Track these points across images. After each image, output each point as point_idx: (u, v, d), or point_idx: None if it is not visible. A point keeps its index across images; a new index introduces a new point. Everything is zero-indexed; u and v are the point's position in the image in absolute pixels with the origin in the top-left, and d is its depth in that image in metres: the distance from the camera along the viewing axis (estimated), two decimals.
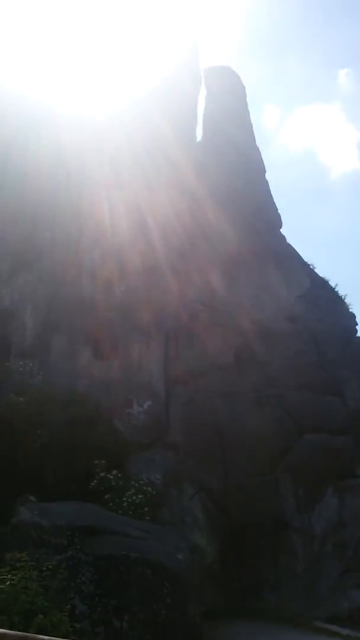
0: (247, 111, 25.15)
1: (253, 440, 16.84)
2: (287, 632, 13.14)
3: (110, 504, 12.94)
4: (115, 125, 21.85)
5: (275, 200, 24.13)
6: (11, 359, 17.81)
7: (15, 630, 7.44)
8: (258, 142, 24.96)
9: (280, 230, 23.79)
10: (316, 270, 23.11)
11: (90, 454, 13.83)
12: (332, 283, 23.06)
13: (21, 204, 20.42)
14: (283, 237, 23.45)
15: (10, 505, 11.44)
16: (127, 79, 23.37)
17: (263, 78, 68.82)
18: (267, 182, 24.31)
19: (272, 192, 24.16)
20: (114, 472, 13.66)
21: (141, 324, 18.50)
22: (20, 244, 19.97)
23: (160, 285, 19.25)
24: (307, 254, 41.64)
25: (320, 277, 22.93)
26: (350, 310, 22.45)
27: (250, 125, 25.04)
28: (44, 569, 9.65)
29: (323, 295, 22.04)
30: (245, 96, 25.33)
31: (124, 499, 13.22)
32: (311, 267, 23.14)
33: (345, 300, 22.73)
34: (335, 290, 22.89)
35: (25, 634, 5.91)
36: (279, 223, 23.80)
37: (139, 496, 13.41)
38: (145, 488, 14.00)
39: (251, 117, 25.32)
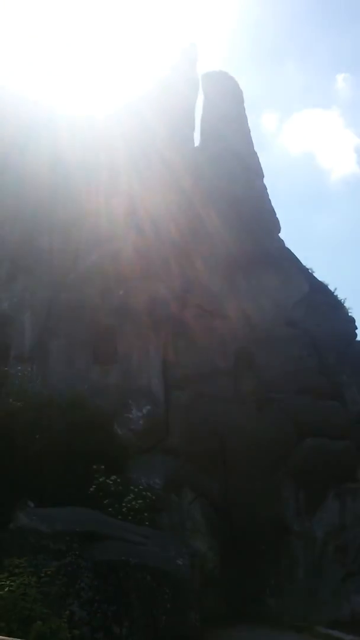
0: (245, 116, 25.25)
1: (253, 444, 16.78)
2: (288, 638, 13.03)
3: (110, 509, 12.85)
4: (113, 129, 21.90)
5: (273, 204, 24.20)
6: (10, 364, 17.75)
7: (14, 637, 7.37)
8: (256, 147, 25.07)
9: (279, 234, 23.83)
10: (315, 275, 23.14)
11: (89, 459, 13.73)
12: (331, 287, 23.09)
13: (20, 208, 20.44)
14: (282, 242, 23.49)
15: (8, 510, 11.34)
16: (125, 82, 23.38)
17: (261, 83, 69.23)
18: (265, 187, 24.38)
19: (270, 197, 24.23)
20: (113, 477, 13.57)
21: (140, 329, 18.47)
22: (18, 248, 19.96)
23: (158, 290, 19.24)
24: (306, 258, 41.48)
25: (319, 281, 22.94)
26: (349, 314, 22.45)
27: (248, 131, 25.13)
28: (43, 575, 9.58)
29: (322, 299, 22.04)
30: (243, 101, 25.44)
31: (124, 504, 13.14)
32: (310, 271, 23.15)
33: (345, 305, 22.75)
34: (335, 294, 22.90)
35: None
36: (277, 227, 23.83)
37: (139, 501, 13.32)
38: (144, 493, 13.91)
39: (249, 122, 25.44)
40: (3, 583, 8.94)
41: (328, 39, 72.46)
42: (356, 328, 22.06)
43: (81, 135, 21.78)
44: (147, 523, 13.01)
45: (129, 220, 20.60)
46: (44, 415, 14.40)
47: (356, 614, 15.14)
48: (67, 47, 26.08)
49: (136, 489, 13.84)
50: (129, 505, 13.10)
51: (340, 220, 69.18)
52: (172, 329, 19.35)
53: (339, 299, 22.82)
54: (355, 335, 21.86)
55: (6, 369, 17.11)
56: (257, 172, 24.41)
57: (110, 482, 13.43)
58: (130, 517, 12.83)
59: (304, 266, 23.02)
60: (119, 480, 13.61)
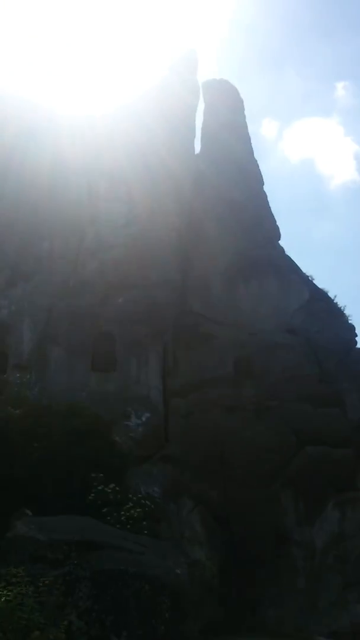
0: (245, 124, 25.41)
1: (253, 452, 16.73)
2: None
3: (108, 517, 12.76)
4: (114, 132, 22.00)
5: (274, 211, 24.33)
6: (8, 371, 17.73)
7: None
8: (256, 155, 25.25)
9: (279, 241, 23.90)
10: (315, 282, 23.17)
11: (88, 467, 13.66)
12: (331, 294, 23.12)
13: (19, 214, 20.47)
14: (282, 249, 23.55)
15: (6, 519, 11.28)
16: (124, 83, 23.52)
17: (261, 91, 69.61)
18: (265, 194, 24.48)
19: (270, 204, 24.34)
20: (112, 485, 13.49)
21: (139, 336, 18.46)
22: (18, 255, 19.97)
23: (158, 297, 19.25)
24: (306, 265, 41.66)
25: (319, 288, 22.97)
26: (349, 321, 22.47)
27: (249, 138, 25.28)
28: (41, 584, 9.50)
29: (322, 306, 22.05)
30: (244, 109, 25.62)
31: (122, 512, 13.04)
32: (310, 278, 23.18)
33: (345, 312, 22.76)
34: (335, 301, 22.91)
35: None
36: (277, 234, 23.91)
37: (137, 510, 13.23)
38: (143, 502, 13.83)
39: (250, 130, 25.61)
40: (0, 593, 8.87)
41: (328, 47, 72.97)
42: (356, 335, 22.06)
43: (82, 141, 21.87)
44: (145, 532, 12.91)
45: (129, 227, 20.65)
46: (43, 422, 14.34)
47: (355, 625, 15.01)
48: (67, 50, 26.22)
49: (135, 498, 13.75)
50: (127, 514, 13.00)
51: (340, 228, 69.38)
52: (171, 337, 19.36)
53: (339, 306, 22.85)
54: (355, 342, 21.85)
55: (5, 376, 17.09)
56: (257, 179, 24.53)
57: (109, 491, 13.34)
58: (129, 526, 12.74)
59: (304, 273, 23.08)
60: (117, 488, 13.53)
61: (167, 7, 61.13)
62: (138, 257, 19.63)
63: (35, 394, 16.46)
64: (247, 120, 25.60)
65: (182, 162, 22.23)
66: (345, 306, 22.89)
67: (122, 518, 12.88)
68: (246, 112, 25.67)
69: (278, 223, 24.11)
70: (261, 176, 24.73)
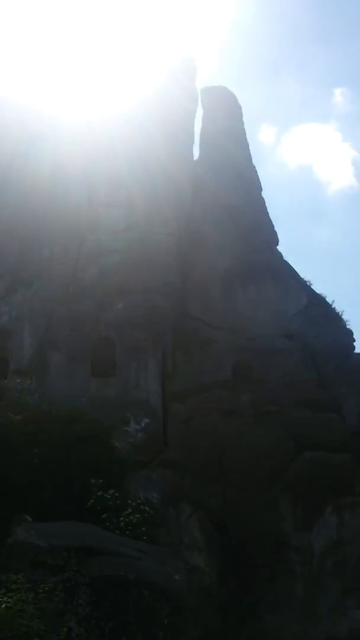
0: (244, 130, 25.54)
1: (251, 457, 16.78)
2: None
3: (108, 523, 12.78)
4: (113, 138, 22.09)
5: (272, 217, 24.42)
6: (8, 377, 17.79)
7: None
8: (255, 160, 25.36)
9: (277, 247, 23.99)
10: (313, 287, 23.23)
11: (88, 473, 13.70)
12: (329, 299, 23.15)
13: (19, 220, 20.54)
14: (280, 254, 23.64)
15: (6, 525, 11.32)
16: (125, 95, 23.60)
17: (260, 97, 69.82)
18: (263, 199, 24.60)
19: (268, 209, 24.44)
20: (111, 491, 13.52)
21: (139, 341, 18.52)
22: (18, 261, 20.04)
23: (157, 302, 19.32)
24: (304, 270, 41.70)
25: (317, 293, 23.02)
26: (347, 327, 22.51)
27: (247, 144, 25.41)
28: (41, 591, 9.54)
29: (320, 311, 22.12)
30: (242, 116, 25.76)
31: (121, 518, 13.06)
32: (308, 283, 23.25)
33: (343, 317, 22.79)
34: (333, 306, 22.97)
35: None
36: (275, 240, 24.00)
37: (137, 516, 13.26)
38: (142, 507, 13.86)
39: (248, 136, 25.74)
40: (0, 600, 8.90)
41: (325, 54, 73.16)
42: (354, 340, 22.13)
43: (81, 147, 21.96)
44: (144, 538, 12.93)
45: (129, 232, 20.73)
46: (43, 428, 14.37)
47: (354, 630, 15.02)
48: (67, 56, 26.31)
49: (134, 503, 13.79)
50: (126, 519, 13.03)
51: (338, 233, 69.46)
52: (171, 341, 19.42)
53: (337, 311, 22.88)
54: (354, 347, 21.92)
55: (5, 381, 17.15)
56: (255, 185, 24.64)
57: (109, 496, 13.38)
58: (128, 532, 12.77)
59: (302, 278, 23.14)
60: (117, 494, 13.57)
61: (167, 14, 61.47)
62: (137, 262, 19.71)
63: (35, 400, 16.50)
64: (246, 126, 25.77)
65: (181, 167, 22.33)
66: (343, 311, 22.94)
67: (122, 524, 12.90)
68: (244, 118, 25.83)
69: (276, 228, 24.22)
70: (259, 182, 24.85)
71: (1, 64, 25.84)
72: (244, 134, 25.54)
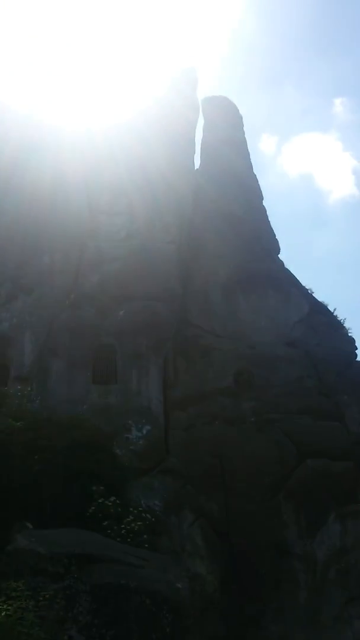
0: (245, 140, 25.74)
1: (253, 465, 16.70)
2: None
3: (109, 531, 12.69)
4: (114, 147, 22.23)
5: (273, 225, 24.56)
6: (9, 383, 17.73)
7: None
8: (256, 170, 25.55)
9: (279, 255, 24.06)
10: (315, 295, 23.28)
11: (89, 480, 13.63)
12: (330, 307, 23.20)
13: (20, 228, 20.60)
14: (281, 262, 23.71)
15: (6, 532, 11.23)
16: (126, 104, 23.81)
17: (260, 107, 70.53)
18: (264, 208, 24.73)
19: (270, 218, 24.57)
20: (112, 498, 13.44)
21: (140, 348, 18.50)
22: (19, 268, 20.07)
23: (158, 310, 19.33)
24: (305, 278, 41.95)
25: (319, 301, 23.07)
26: (349, 334, 22.53)
27: (248, 154, 25.60)
28: (41, 598, 9.44)
29: (322, 319, 22.14)
30: (243, 125, 25.99)
31: (123, 525, 12.98)
32: (310, 291, 23.30)
33: (344, 325, 22.82)
34: (334, 314, 23.00)
35: None
36: (277, 248, 24.09)
37: (138, 523, 13.17)
38: (144, 515, 13.77)
39: (249, 145, 25.94)
40: (0, 607, 8.81)
41: (326, 64, 74.04)
42: (356, 348, 22.11)
43: (82, 155, 22.10)
44: (146, 545, 12.85)
45: (130, 240, 20.80)
46: (44, 435, 14.31)
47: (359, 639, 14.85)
48: (68, 65, 26.53)
49: (135, 511, 13.70)
50: (128, 527, 12.95)
51: (339, 241, 69.78)
52: (172, 349, 19.40)
53: (339, 319, 22.92)
54: (355, 355, 21.89)
55: (6, 388, 17.10)
56: (256, 194, 24.79)
57: (110, 504, 13.29)
58: (129, 540, 12.68)
59: (304, 286, 23.20)
60: (118, 501, 13.49)
61: (168, 25, 62.22)
62: (138, 269, 19.75)
63: (36, 407, 16.45)
64: (246, 135, 26.01)
65: (182, 176, 22.47)
66: (345, 319, 22.99)
67: (123, 531, 12.81)
68: (245, 128, 26.09)
69: (277, 237, 24.34)
70: (260, 191, 25.00)
71: (2, 73, 26.03)
72: (245, 143, 25.74)
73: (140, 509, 14.10)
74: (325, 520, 16.36)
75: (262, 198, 24.99)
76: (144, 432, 16.98)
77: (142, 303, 19.16)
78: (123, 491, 14.44)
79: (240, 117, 25.93)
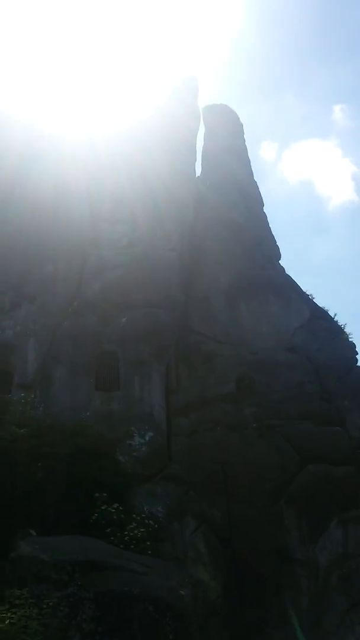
0: (245, 147, 25.90)
1: (255, 471, 16.73)
2: None
3: (112, 537, 12.76)
4: (115, 155, 22.38)
5: (274, 231, 24.68)
6: (13, 391, 17.84)
7: None
8: (256, 176, 25.69)
9: (279, 261, 24.17)
10: (315, 301, 23.38)
11: (92, 487, 13.71)
12: (331, 313, 23.30)
13: (23, 237, 20.74)
14: (282, 268, 23.82)
15: (10, 539, 11.31)
16: (127, 113, 23.98)
17: (261, 114, 70.89)
18: (265, 215, 24.87)
19: (270, 224, 24.69)
20: (115, 505, 13.52)
21: (142, 355, 18.60)
22: (22, 276, 20.20)
23: (160, 317, 19.43)
24: (306, 284, 42.06)
25: (319, 307, 23.17)
26: (350, 340, 22.60)
27: (248, 161, 25.75)
28: (45, 606, 9.50)
29: (323, 325, 22.21)
30: (243, 133, 26.16)
31: (126, 532, 13.05)
32: (310, 297, 23.40)
33: (345, 330, 22.90)
34: (335, 320, 23.08)
35: None
36: (277, 254, 24.21)
37: (141, 530, 13.24)
38: (147, 521, 13.84)
39: (249, 152, 26.09)
40: (4, 615, 8.87)
41: (325, 71, 74.43)
42: (357, 353, 22.17)
43: (84, 164, 22.25)
44: (149, 552, 12.90)
45: (132, 247, 20.93)
46: (47, 442, 14.41)
47: None
48: (69, 75, 26.75)
49: (138, 517, 13.77)
50: (131, 534, 13.01)
51: (339, 247, 69.96)
52: (174, 356, 19.50)
53: (339, 324, 23.01)
54: (356, 360, 21.95)
55: (9, 395, 17.20)
56: (257, 201, 24.92)
57: (113, 510, 13.37)
58: (132, 546, 12.74)
59: (304, 292, 23.31)
60: (121, 508, 13.56)
61: (169, 34, 62.66)
62: (140, 277, 19.87)
63: (39, 414, 16.55)
64: (247, 143, 26.18)
65: (184, 184, 22.62)
66: (345, 324, 23.09)
67: (126, 538, 12.88)
68: (246, 135, 26.27)
69: (278, 243, 24.47)
70: (261, 197, 25.14)
71: (4, 83, 26.25)
72: (246, 150, 25.90)
73: (143, 515, 14.17)
74: (327, 526, 16.38)
75: (262, 205, 25.12)
76: (147, 438, 17.05)
77: (144, 310, 19.26)
78: (126, 498, 14.51)
79: (241, 125, 26.12)
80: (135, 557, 12.01)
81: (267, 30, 70.39)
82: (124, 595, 10.18)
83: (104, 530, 12.95)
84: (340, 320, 23.18)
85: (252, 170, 25.47)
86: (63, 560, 10.49)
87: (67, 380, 17.98)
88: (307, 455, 17.41)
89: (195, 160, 24.57)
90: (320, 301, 23.64)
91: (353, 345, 22.31)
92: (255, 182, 25.30)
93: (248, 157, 25.61)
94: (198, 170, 24.89)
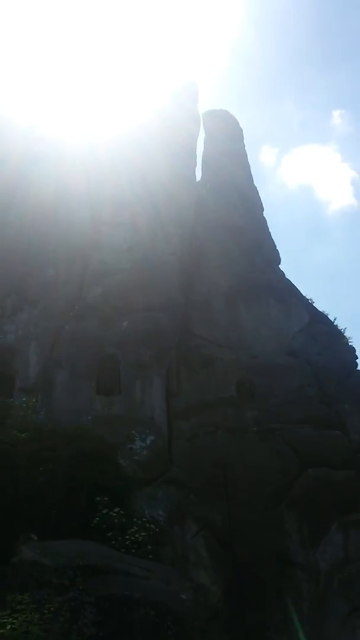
0: (245, 152, 25.99)
1: (256, 475, 16.76)
2: None
3: (113, 541, 12.75)
4: (116, 159, 22.44)
5: (273, 236, 24.75)
6: (14, 395, 17.84)
7: None
8: (256, 181, 25.80)
9: (279, 265, 24.24)
10: (315, 305, 23.45)
11: (93, 490, 13.72)
12: (331, 317, 23.36)
13: (24, 239, 20.76)
14: (282, 272, 23.88)
15: (11, 543, 11.31)
16: (128, 117, 24.05)
17: (260, 119, 71.13)
18: (264, 219, 24.94)
19: (270, 229, 24.78)
20: (116, 509, 13.51)
21: (143, 359, 18.63)
22: (23, 280, 20.22)
23: (161, 320, 19.47)
24: (305, 288, 42.17)
25: (319, 311, 23.23)
26: (349, 343, 22.66)
27: (248, 166, 25.85)
28: (46, 611, 9.50)
29: (323, 329, 22.28)
30: (243, 138, 26.26)
31: (127, 536, 13.05)
32: (310, 301, 23.45)
33: (345, 334, 22.96)
34: (335, 324, 23.13)
35: None
36: (277, 259, 24.27)
37: (142, 534, 13.23)
38: (148, 525, 13.84)
39: (249, 157, 26.18)
40: (5, 620, 8.87)
41: (324, 77, 74.71)
42: (356, 357, 22.24)
43: (85, 168, 22.30)
44: (150, 556, 12.90)
45: (133, 252, 20.97)
46: (48, 446, 14.40)
47: None
48: (69, 79, 26.82)
49: (139, 521, 13.77)
50: (132, 538, 13.01)
51: (338, 251, 70.14)
52: (175, 359, 19.53)
53: (339, 328, 23.07)
54: (356, 364, 22.02)
55: (11, 399, 17.20)
56: (257, 205, 25.01)
57: (114, 514, 13.37)
58: (133, 550, 12.74)
59: (304, 296, 23.37)
60: (122, 512, 13.56)
61: (170, 39, 62.86)
62: (141, 280, 19.91)
63: (41, 418, 16.53)
64: (247, 147, 26.31)
65: (184, 187, 22.68)
66: (345, 328, 23.16)
67: (127, 542, 12.88)
68: (245, 140, 26.39)
69: (277, 247, 24.54)
70: (261, 202, 25.23)
71: (4, 86, 26.31)
72: (245, 155, 25.99)
73: (144, 519, 14.17)
74: (327, 530, 16.40)
75: (262, 209, 25.21)
76: (148, 442, 17.07)
77: (144, 314, 19.30)
78: (127, 501, 14.51)
79: (241, 130, 26.23)
80: (136, 561, 12.01)
81: (267, 36, 70.73)
82: (125, 599, 10.18)
83: (105, 534, 12.95)
84: (340, 324, 23.28)
85: (251, 175, 25.58)
86: (64, 565, 10.48)
87: (69, 383, 18.00)
88: (308, 459, 17.44)
89: (196, 164, 24.66)
90: (320, 305, 23.74)
91: (353, 349, 22.38)
92: (255, 187, 25.40)
93: (248, 162, 25.71)
94: (198, 175, 24.98)
